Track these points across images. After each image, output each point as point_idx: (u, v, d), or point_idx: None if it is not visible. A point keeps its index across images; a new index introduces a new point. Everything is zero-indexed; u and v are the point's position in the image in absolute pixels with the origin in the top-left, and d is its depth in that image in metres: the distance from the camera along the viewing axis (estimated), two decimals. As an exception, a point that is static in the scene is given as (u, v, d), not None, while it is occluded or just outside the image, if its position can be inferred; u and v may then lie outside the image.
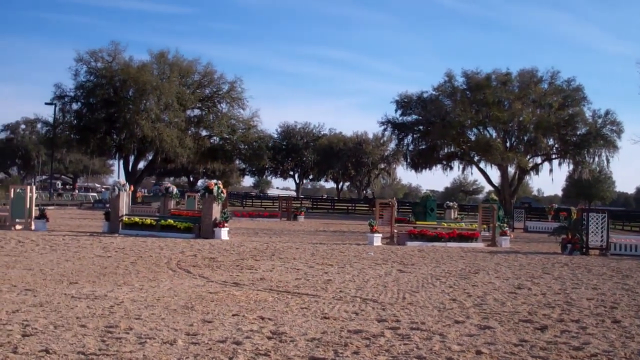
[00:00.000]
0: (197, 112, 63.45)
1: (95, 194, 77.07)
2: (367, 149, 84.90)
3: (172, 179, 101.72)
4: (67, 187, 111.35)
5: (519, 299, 11.17)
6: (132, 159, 61.33)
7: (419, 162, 64.91)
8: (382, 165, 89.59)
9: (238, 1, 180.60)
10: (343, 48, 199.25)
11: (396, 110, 64.41)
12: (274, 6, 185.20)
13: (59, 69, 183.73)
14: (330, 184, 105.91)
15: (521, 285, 13.11)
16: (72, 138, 59.21)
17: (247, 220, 40.36)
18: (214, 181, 24.44)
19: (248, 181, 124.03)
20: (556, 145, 60.15)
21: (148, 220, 24.56)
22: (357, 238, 26.93)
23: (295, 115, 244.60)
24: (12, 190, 25.76)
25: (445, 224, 31.41)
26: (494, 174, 66.76)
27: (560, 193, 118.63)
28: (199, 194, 27.95)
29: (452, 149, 62.92)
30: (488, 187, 71.21)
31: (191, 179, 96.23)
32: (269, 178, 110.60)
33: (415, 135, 64.53)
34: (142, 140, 55.62)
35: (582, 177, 65.18)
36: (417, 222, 31.55)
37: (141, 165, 64.50)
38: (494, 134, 59.37)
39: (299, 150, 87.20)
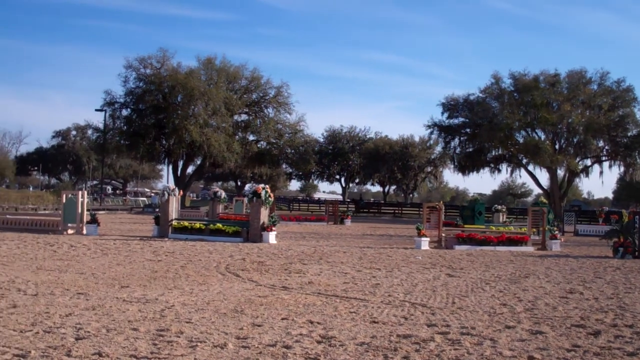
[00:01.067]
0: (244, 117, 64.01)
1: (144, 199, 78.18)
2: (413, 152, 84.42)
3: (220, 183, 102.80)
4: (117, 191, 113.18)
5: (570, 304, 11.00)
6: (180, 163, 62.13)
7: (466, 165, 64.36)
8: (429, 169, 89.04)
9: (284, 6, 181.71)
10: (388, 51, 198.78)
11: (442, 113, 64.08)
12: (319, 11, 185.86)
13: (108, 76, 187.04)
14: (377, 188, 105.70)
15: (573, 289, 12.90)
16: (122, 144, 60.20)
17: (295, 224, 40.49)
18: (262, 185, 24.61)
19: (295, 185, 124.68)
20: (606, 147, 59.08)
21: (197, 225, 24.83)
22: (404, 242, 26.81)
23: (341, 119, 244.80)
24: (64, 195, 26.30)
25: (493, 228, 31.06)
26: (543, 176, 65.80)
27: (610, 196, 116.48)
28: (247, 198, 28.17)
29: (500, 152, 62.25)
30: (537, 190, 70.43)
31: (239, 183, 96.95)
32: (315, 182, 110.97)
33: (462, 138, 64.04)
34: (191, 145, 56.31)
35: (634, 179, 63.83)
36: (465, 226, 31.26)
37: (190, 169, 65.33)
38: (543, 136, 58.58)
39: (345, 154, 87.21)
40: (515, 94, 58.07)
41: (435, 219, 25.80)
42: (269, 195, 24.23)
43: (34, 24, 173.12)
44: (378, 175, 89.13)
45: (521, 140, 58.81)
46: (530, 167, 61.52)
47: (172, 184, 29.05)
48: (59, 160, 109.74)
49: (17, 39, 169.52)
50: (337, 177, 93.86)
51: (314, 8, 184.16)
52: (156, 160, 68.65)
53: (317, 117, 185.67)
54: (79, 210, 25.18)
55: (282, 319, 8.87)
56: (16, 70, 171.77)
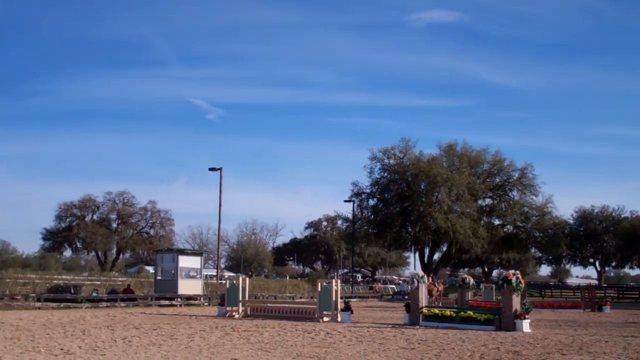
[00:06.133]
0: (488, 201, 63.37)
1: (393, 286, 79.32)
2: (677, 230, 77.79)
3: (466, 269, 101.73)
4: (367, 279, 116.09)
5: None
6: (427, 250, 62.60)
7: None
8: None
9: (520, 88, 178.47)
10: (636, 125, 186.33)
11: None
12: (554, 89, 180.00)
13: (355, 168, 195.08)
14: (637, 271, 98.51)
15: None
16: (370, 232, 62.18)
17: (548, 311, 38.81)
18: (512, 271, 24.02)
19: (544, 270, 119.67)
20: None
21: (447, 312, 24.73)
22: (673, 330, 24.60)
23: (591, 199, 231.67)
24: (320, 284, 27.54)
25: None
26: None
27: None
28: (496, 285, 27.61)
29: None
30: None
31: (485, 269, 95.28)
32: (566, 266, 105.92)
33: None
34: (436, 232, 56.71)
35: None
36: None
37: (436, 256, 65.53)
38: None
39: (598, 236, 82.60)
40: None
41: None
42: (520, 282, 23.58)
43: (285, 124, 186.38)
44: (637, 257, 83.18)
45: None
46: None
47: (420, 271, 29.33)
48: (312, 250, 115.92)
49: (272, 140, 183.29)
50: (591, 260, 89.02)
51: (549, 86, 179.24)
52: (403, 248, 69.82)
53: (565, 198, 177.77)
54: (334, 298, 26.18)
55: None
56: (271, 168, 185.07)
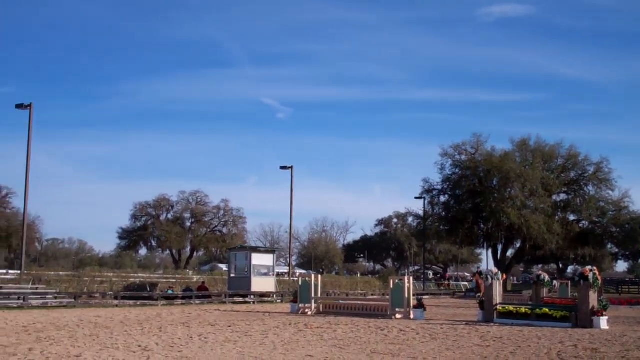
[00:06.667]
0: (562, 196, 62.26)
1: (465, 283, 78.50)
2: None
3: (540, 266, 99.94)
4: (438, 276, 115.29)
5: None
6: (499, 247, 61.80)
7: None
8: None
9: (595, 81, 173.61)
10: None
11: None
12: (632, 82, 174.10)
13: (425, 164, 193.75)
14: None
15: None
16: (442, 229, 61.79)
17: (625, 308, 37.80)
18: (589, 267, 23.54)
19: (621, 266, 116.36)
20: None
21: (522, 309, 24.37)
22: None
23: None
24: (392, 281, 27.53)
25: None
26: None
27: None
28: (572, 281, 26.95)
29: None
30: None
31: (560, 265, 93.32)
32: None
33: None
34: (509, 228, 55.94)
35: None
36: None
37: (509, 253, 64.61)
38: None
39: (679, 230, 79.89)
40: None
41: None
42: (597, 278, 23.06)
43: (354, 122, 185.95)
44: None
45: None
46: None
47: (495, 268, 28.97)
48: (383, 247, 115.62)
49: (341, 137, 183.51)
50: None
51: (625, 78, 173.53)
52: (475, 245, 69.10)
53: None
54: (406, 296, 26.11)
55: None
56: (341, 165, 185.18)
